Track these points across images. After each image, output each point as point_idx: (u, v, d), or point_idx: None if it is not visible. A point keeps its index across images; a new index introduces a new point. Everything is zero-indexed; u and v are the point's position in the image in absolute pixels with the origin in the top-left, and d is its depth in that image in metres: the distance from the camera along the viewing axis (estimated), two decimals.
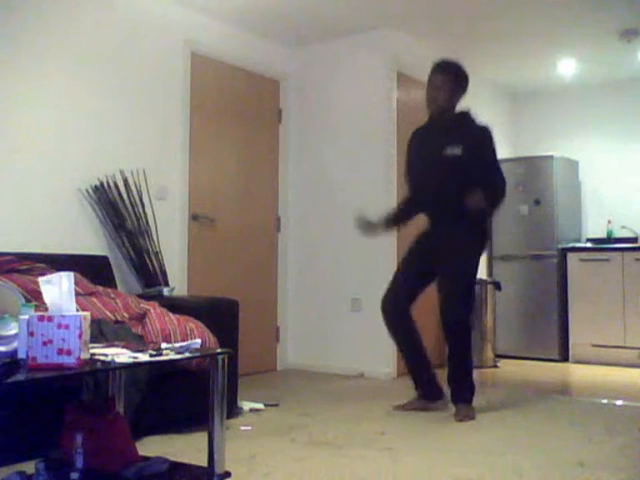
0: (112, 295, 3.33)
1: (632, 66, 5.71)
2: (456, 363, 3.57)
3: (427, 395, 3.68)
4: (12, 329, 1.94)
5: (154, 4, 4.37)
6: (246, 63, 5.03)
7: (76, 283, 2.22)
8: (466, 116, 3.63)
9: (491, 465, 2.67)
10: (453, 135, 3.56)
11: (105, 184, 3.91)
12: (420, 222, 3.83)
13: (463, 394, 3.54)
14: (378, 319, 4.86)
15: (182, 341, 2.65)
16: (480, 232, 3.66)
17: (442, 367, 3.78)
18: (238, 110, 4.99)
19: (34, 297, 2.70)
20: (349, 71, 5.17)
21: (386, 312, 3.67)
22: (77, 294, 2.24)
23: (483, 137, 3.58)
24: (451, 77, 3.59)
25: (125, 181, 4.01)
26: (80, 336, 1.82)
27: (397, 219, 3.91)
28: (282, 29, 5.00)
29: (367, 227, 3.78)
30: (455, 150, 3.50)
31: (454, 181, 3.52)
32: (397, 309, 3.65)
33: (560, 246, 5.80)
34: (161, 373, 2.94)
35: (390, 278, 4.80)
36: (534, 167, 5.95)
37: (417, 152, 3.74)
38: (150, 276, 3.96)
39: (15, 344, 1.90)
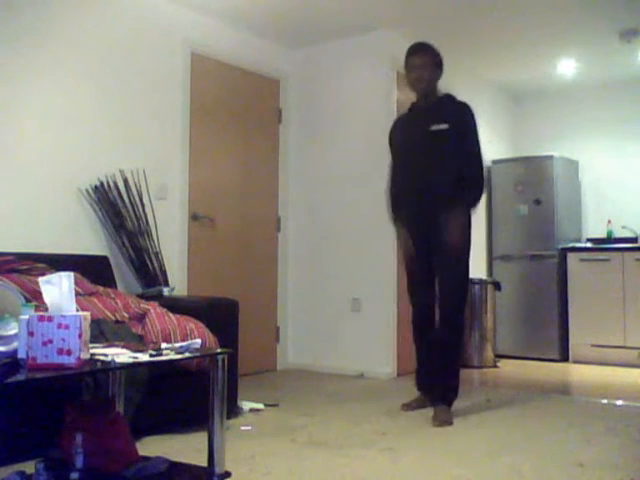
0: (112, 295, 3.33)
1: (632, 66, 5.71)
2: (446, 359, 3.51)
3: (429, 392, 3.65)
4: (12, 329, 1.94)
5: (154, 4, 4.37)
6: (246, 63, 5.03)
7: (76, 283, 2.22)
8: (449, 97, 3.66)
9: (491, 465, 2.67)
10: (438, 114, 3.58)
11: (105, 184, 3.91)
12: None
13: (448, 395, 3.50)
14: (378, 319, 4.90)
15: (182, 341, 2.65)
16: (464, 218, 3.55)
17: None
18: (238, 110, 4.99)
19: (34, 297, 2.70)
20: (349, 71, 5.17)
21: (416, 311, 3.65)
22: (77, 294, 2.24)
23: (464, 112, 3.57)
24: (431, 57, 3.62)
25: (125, 181, 4.01)
26: (80, 336, 1.82)
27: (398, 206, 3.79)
28: (282, 29, 5.00)
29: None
30: (441, 126, 3.52)
31: (442, 156, 3.52)
32: (425, 307, 3.62)
33: (560, 246, 5.80)
34: (161, 373, 2.94)
35: (390, 279, 4.85)
36: (534, 167, 5.96)
37: (403, 136, 3.73)
38: (150, 276, 3.96)
39: (15, 344, 1.90)
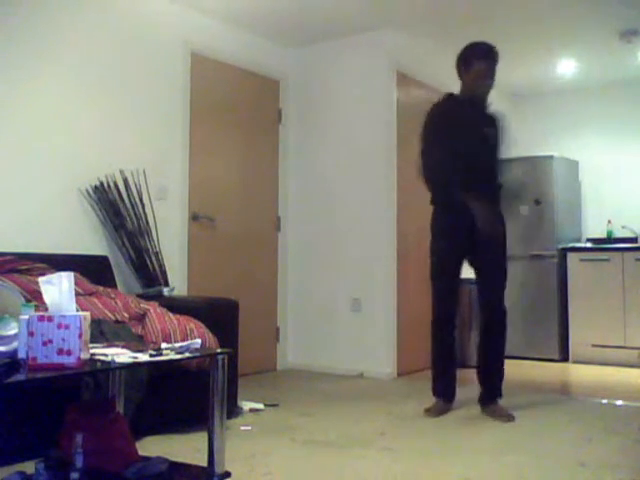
0: (112, 295, 3.33)
1: (632, 66, 5.70)
2: (498, 358, 3.65)
3: (448, 395, 3.65)
4: (12, 329, 1.94)
5: (154, 4, 4.37)
6: (246, 63, 5.03)
7: (76, 283, 2.22)
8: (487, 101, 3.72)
9: (491, 465, 2.67)
10: (485, 115, 3.68)
11: (105, 184, 3.91)
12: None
13: (499, 390, 3.60)
14: (378, 319, 4.89)
15: (182, 341, 2.65)
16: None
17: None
18: (238, 110, 4.99)
19: (34, 297, 2.70)
20: (349, 71, 5.16)
21: (443, 318, 3.65)
22: (77, 294, 2.24)
23: (504, 124, 3.72)
24: (496, 64, 3.66)
25: (125, 181, 4.01)
26: (80, 336, 1.82)
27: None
28: (282, 29, 5.00)
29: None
30: (491, 130, 3.64)
31: (492, 158, 3.64)
32: (452, 314, 3.68)
33: (560, 246, 5.79)
34: (161, 373, 2.94)
35: (390, 279, 4.85)
36: (534, 167, 5.94)
37: (459, 124, 3.61)
38: (150, 276, 3.96)
39: (15, 344, 1.90)
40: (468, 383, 3.86)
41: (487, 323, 3.69)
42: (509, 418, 3.43)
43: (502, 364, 3.69)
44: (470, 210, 3.47)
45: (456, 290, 3.72)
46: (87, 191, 3.87)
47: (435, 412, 3.58)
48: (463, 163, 3.57)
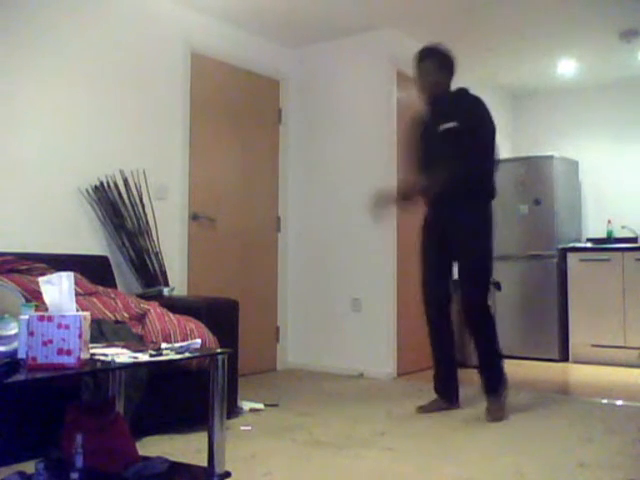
0: (112, 295, 3.33)
1: (632, 66, 5.71)
2: (483, 349, 3.56)
3: (446, 395, 3.65)
4: (12, 329, 1.94)
5: (154, 4, 4.37)
6: (246, 63, 5.03)
7: (76, 283, 2.22)
8: (461, 92, 3.62)
9: (491, 465, 2.67)
10: (449, 112, 3.56)
11: (105, 184, 3.91)
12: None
13: (492, 384, 3.52)
14: (378, 319, 4.90)
15: (182, 341, 2.65)
16: (483, 212, 3.57)
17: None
18: (238, 110, 4.99)
19: (34, 297, 2.70)
20: (349, 71, 5.17)
21: (429, 308, 3.64)
22: (77, 294, 2.24)
23: (475, 106, 3.53)
24: (435, 62, 3.61)
25: (125, 181, 4.01)
26: (80, 336, 1.82)
27: (407, 195, 3.73)
28: (282, 29, 5.00)
29: (382, 202, 3.66)
30: (449, 124, 3.50)
31: (452, 155, 3.47)
32: (439, 304, 3.64)
33: (560, 246, 5.79)
34: (161, 373, 2.94)
35: (390, 279, 4.85)
36: (534, 167, 5.95)
37: (420, 135, 3.70)
38: (150, 276, 3.96)
39: (15, 344, 1.90)
40: (468, 383, 3.86)
41: (465, 319, 3.59)
42: (494, 419, 3.40)
43: (489, 360, 3.55)
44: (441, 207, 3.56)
45: (438, 277, 3.65)
46: (87, 191, 3.87)
47: (426, 408, 3.59)
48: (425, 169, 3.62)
